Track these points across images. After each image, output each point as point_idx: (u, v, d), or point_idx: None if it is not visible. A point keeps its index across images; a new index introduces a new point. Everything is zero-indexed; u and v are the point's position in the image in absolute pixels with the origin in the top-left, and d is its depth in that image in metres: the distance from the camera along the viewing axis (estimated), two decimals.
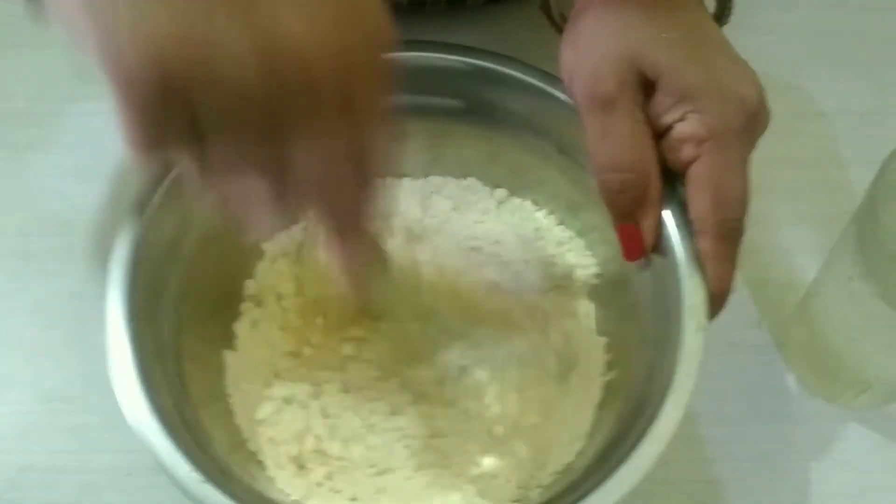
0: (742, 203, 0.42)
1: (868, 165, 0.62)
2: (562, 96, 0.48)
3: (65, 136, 0.62)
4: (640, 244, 0.45)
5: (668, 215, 0.45)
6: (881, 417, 0.54)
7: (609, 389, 0.49)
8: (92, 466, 0.52)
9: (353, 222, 0.36)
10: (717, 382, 0.54)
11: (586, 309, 0.53)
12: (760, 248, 0.59)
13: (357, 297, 0.40)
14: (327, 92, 0.31)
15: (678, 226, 0.44)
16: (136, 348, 0.42)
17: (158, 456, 0.40)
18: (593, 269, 0.54)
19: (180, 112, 0.30)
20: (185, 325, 0.47)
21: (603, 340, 0.52)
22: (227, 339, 0.51)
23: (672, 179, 0.44)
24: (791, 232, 0.60)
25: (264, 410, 0.50)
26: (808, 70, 0.66)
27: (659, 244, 0.45)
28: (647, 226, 0.45)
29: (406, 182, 0.56)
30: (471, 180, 0.56)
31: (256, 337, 0.52)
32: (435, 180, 0.56)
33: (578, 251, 0.54)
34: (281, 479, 0.48)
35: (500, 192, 0.56)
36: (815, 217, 0.60)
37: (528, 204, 0.56)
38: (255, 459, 0.48)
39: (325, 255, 0.38)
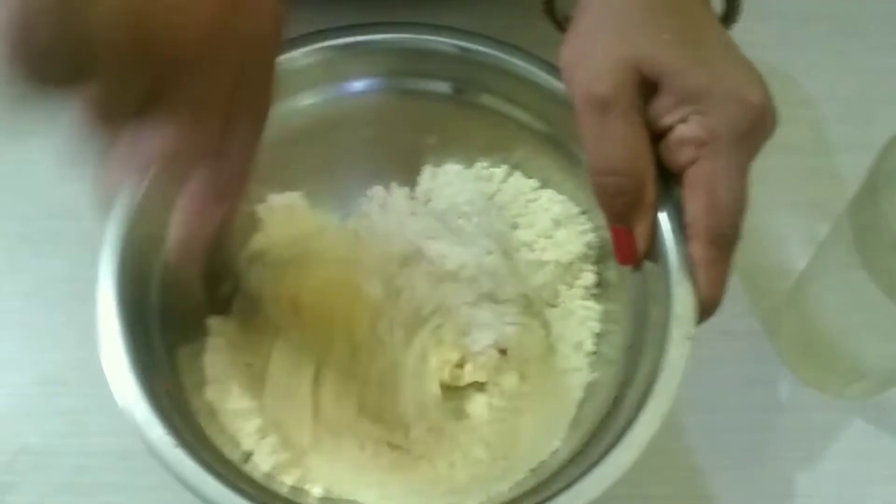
0: (737, 209, 0.42)
1: (855, 151, 0.62)
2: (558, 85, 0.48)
3: (65, 119, 0.62)
4: (632, 248, 0.44)
5: (663, 219, 0.44)
6: (871, 407, 0.54)
7: (590, 389, 0.49)
8: (87, 450, 0.52)
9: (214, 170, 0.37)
10: (706, 371, 0.54)
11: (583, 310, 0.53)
12: (749, 235, 0.59)
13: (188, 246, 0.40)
14: (193, 63, 0.33)
15: (672, 231, 0.44)
16: (123, 312, 0.43)
17: (134, 418, 0.41)
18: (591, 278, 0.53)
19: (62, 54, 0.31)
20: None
21: (591, 343, 0.52)
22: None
23: (670, 183, 0.44)
24: (779, 218, 0.60)
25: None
26: (795, 55, 0.66)
27: (651, 250, 0.45)
28: (639, 231, 0.44)
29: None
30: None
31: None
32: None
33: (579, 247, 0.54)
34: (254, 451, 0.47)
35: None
36: (803, 203, 0.60)
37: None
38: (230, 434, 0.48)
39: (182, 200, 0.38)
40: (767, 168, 0.61)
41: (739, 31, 0.62)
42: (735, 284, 0.57)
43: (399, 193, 0.56)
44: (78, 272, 0.54)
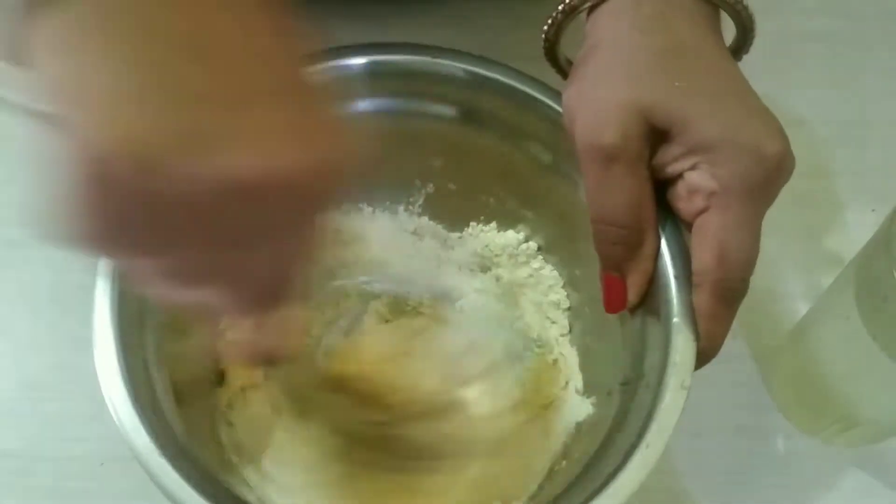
0: (747, 263, 0.40)
1: (849, 175, 0.63)
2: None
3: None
4: (622, 298, 0.43)
5: (665, 265, 0.43)
6: None
7: (579, 429, 0.48)
8: (67, 455, 0.52)
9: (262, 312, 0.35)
10: (691, 394, 0.54)
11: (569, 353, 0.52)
12: None
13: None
14: (264, 222, 0.29)
15: (675, 277, 0.42)
16: (116, 311, 0.42)
17: (121, 422, 0.40)
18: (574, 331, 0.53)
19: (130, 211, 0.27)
20: None
21: (579, 382, 0.51)
22: None
23: (675, 227, 0.43)
24: (769, 241, 0.59)
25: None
26: (788, 77, 0.66)
27: (643, 301, 0.43)
28: (632, 281, 0.43)
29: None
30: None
31: None
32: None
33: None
34: (244, 467, 0.47)
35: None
36: (793, 227, 0.60)
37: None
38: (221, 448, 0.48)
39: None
40: None
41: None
42: None
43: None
44: (61, 278, 0.54)
